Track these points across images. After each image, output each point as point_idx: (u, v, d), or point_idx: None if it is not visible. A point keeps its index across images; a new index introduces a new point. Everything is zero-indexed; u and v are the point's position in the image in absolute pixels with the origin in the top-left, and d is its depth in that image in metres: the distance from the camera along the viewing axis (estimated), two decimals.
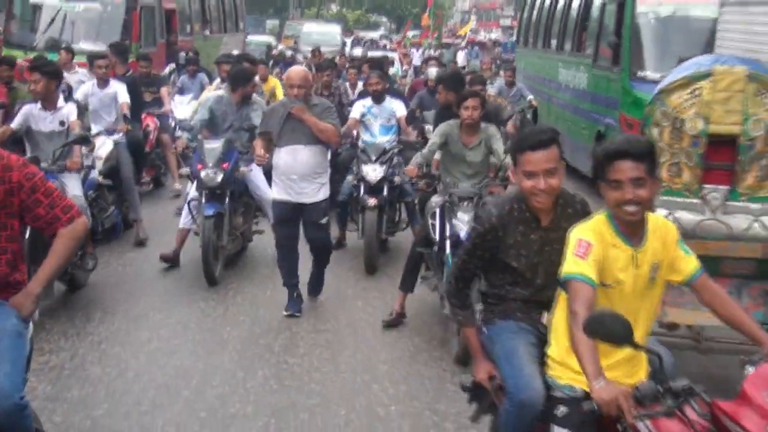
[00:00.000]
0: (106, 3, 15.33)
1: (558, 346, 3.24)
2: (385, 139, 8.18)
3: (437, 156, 6.56)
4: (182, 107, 10.97)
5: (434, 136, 6.47)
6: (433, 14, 39.32)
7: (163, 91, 11.01)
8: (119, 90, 8.72)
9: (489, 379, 3.54)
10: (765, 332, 3.06)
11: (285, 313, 6.58)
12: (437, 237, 6.07)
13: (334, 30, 35.92)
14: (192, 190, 7.72)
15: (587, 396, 2.89)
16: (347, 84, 11.04)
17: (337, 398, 5.17)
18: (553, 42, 15.01)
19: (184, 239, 7.79)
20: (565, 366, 3.18)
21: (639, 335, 2.98)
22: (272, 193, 6.65)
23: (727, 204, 4.86)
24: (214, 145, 7.51)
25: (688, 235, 4.60)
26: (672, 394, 2.68)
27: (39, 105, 6.94)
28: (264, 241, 8.24)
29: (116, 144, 8.38)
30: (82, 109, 7.47)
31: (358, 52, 23.53)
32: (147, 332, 6.19)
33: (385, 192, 7.87)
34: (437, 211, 6.15)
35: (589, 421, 2.93)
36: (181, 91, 12.08)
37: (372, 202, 7.72)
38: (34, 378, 5.02)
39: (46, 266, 3.50)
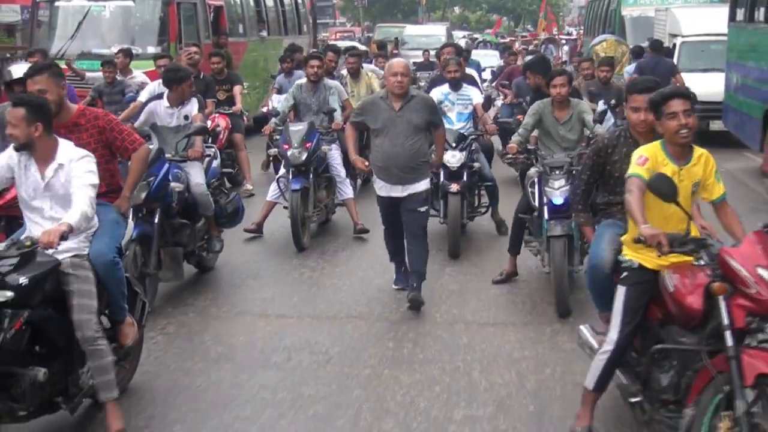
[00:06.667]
0: (139, 0, 13.95)
1: (629, 235, 4.28)
2: (462, 126, 8.10)
3: (534, 133, 6.86)
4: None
5: (528, 116, 6.80)
6: (545, 17, 41.23)
7: (236, 89, 10.53)
8: None
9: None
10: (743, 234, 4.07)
11: (395, 287, 6.68)
12: (537, 204, 6.48)
13: (439, 31, 32.46)
14: (281, 168, 8.29)
15: (641, 267, 4.11)
16: None
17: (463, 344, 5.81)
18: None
19: (269, 211, 8.37)
20: (630, 247, 4.25)
21: (671, 229, 4.03)
22: (375, 188, 6.60)
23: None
24: (298, 127, 8.06)
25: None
26: (693, 241, 3.89)
27: (165, 102, 6.99)
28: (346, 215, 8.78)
29: None
30: (201, 104, 7.48)
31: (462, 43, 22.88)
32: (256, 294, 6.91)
33: (464, 177, 7.85)
34: (536, 180, 6.54)
35: (639, 282, 4.14)
36: (279, 91, 11.06)
37: (454, 187, 7.69)
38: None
39: (129, 179, 4.97)
